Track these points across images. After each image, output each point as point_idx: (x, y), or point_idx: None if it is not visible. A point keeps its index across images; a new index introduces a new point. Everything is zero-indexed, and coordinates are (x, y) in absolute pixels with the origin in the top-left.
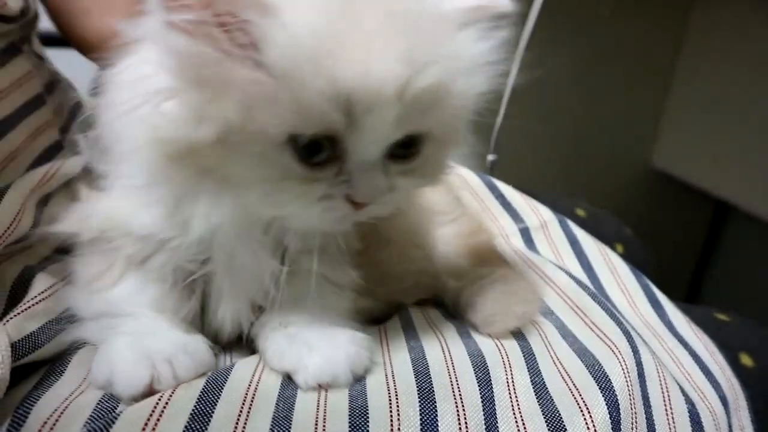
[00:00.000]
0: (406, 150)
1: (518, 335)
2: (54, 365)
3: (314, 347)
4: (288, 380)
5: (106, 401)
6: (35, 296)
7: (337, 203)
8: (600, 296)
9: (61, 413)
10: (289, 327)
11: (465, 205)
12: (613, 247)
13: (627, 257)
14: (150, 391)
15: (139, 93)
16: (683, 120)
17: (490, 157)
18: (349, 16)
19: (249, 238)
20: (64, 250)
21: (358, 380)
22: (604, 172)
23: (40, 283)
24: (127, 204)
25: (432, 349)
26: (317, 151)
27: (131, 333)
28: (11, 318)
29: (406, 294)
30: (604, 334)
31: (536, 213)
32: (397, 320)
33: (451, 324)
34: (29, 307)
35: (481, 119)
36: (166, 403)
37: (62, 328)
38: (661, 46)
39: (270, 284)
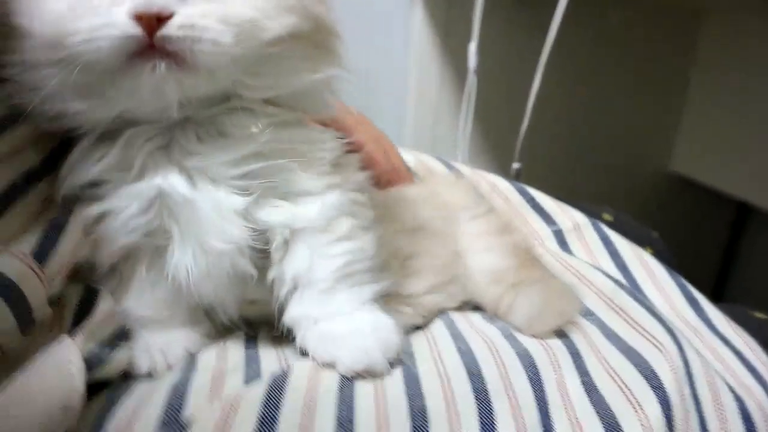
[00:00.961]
0: None
1: (562, 335)
2: (122, 382)
3: (341, 342)
4: (345, 380)
5: (171, 406)
6: (99, 315)
7: (115, 12)
8: (640, 295)
9: (134, 423)
10: (318, 323)
11: (490, 202)
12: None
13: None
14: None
15: None
16: (700, 123)
17: (515, 166)
18: None
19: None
20: None
21: (410, 377)
22: (622, 177)
23: (105, 303)
24: None
25: (481, 351)
26: None
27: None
28: (79, 334)
29: (436, 293)
30: (648, 333)
31: (569, 216)
32: (441, 324)
33: (494, 327)
34: (94, 326)
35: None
36: (235, 409)
37: (122, 346)
38: (677, 50)
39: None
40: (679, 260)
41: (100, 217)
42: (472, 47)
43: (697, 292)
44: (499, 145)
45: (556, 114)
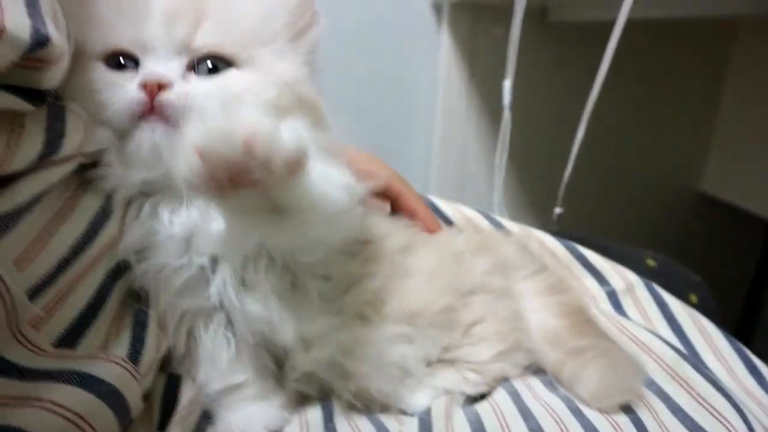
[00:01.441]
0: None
1: (628, 410)
2: None
3: None
4: None
5: None
6: (186, 404)
7: (130, 85)
8: (701, 366)
9: None
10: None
11: (541, 260)
12: (687, 298)
13: (700, 307)
14: None
15: None
16: (731, 142)
17: (557, 210)
18: None
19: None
20: None
21: None
22: (650, 197)
23: (188, 391)
24: None
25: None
26: (124, 67)
27: (224, 416)
28: (175, 430)
29: (503, 362)
30: (716, 410)
31: (621, 275)
32: (507, 396)
33: (557, 397)
34: (183, 417)
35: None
36: None
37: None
38: (707, 70)
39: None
40: (708, 284)
41: (147, 273)
42: (507, 84)
43: (756, 359)
44: (532, 180)
45: (587, 142)
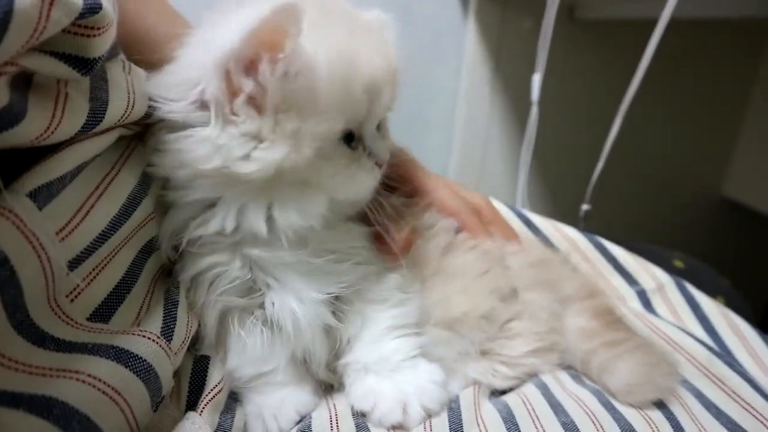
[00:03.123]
0: None
1: (660, 406)
2: None
3: (381, 396)
4: None
5: None
6: (216, 385)
7: (375, 169)
8: (735, 364)
9: None
10: (368, 374)
11: (577, 270)
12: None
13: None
14: None
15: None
16: (755, 148)
17: (585, 207)
18: (351, 36)
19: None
20: None
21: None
22: (672, 200)
23: (217, 371)
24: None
25: (584, 425)
26: (352, 139)
27: (253, 399)
28: (203, 409)
29: (536, 358)
30: (754, 409)
31: (651, 275)
32: (536, 390)
33: (587, 390)
34: (213, 396)
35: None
36: None
37: (237, 410)
38: (733, 73)
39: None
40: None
41: (203, 271)
42: (537, 78)
43: None
44: (553, 177)
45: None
